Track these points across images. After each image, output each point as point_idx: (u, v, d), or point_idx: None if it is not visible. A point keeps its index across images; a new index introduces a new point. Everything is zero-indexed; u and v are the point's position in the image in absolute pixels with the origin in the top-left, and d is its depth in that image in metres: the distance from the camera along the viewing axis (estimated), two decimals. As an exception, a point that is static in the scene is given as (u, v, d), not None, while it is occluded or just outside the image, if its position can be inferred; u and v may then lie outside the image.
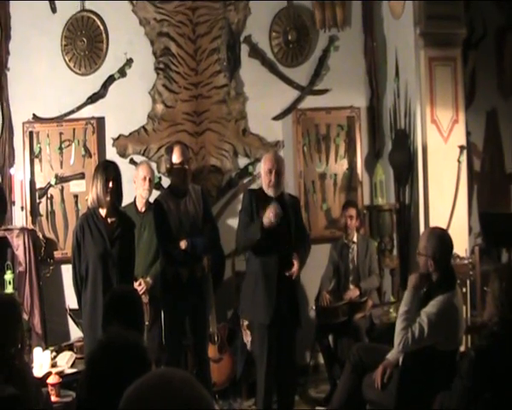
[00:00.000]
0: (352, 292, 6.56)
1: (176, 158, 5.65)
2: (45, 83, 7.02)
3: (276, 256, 5.32)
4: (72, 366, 5.70)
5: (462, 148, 6.53)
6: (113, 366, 2.25)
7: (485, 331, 3.93)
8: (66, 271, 6.58)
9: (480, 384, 3.56)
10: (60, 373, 5.31)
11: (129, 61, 7.13)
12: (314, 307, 6.62)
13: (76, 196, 7.04)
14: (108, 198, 5.14)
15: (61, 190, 7.03)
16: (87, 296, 5.16)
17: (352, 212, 6.70)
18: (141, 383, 1.58)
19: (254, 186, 6.76)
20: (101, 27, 7.12)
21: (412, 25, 6.59)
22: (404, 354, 4.54)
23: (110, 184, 5.12)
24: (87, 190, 6.43)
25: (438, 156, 6.53)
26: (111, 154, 7.01)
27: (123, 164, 6.35)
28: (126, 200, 5.71)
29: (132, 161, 7.06)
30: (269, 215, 5.16)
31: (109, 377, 2.22)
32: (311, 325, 6.66)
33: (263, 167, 5.50)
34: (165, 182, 6.51)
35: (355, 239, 6.73)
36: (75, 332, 6.59)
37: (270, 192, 5.41)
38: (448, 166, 6.51)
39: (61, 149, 7.03)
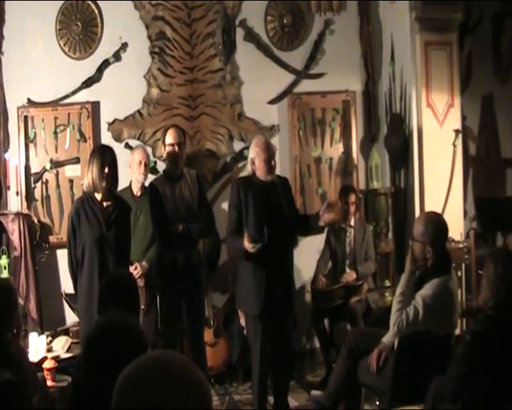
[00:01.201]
0: (349, 275, 6.56)
1: (169, 140, 5.63)
2: (40, 67, 6.98)
3: (266, 243, 5.16)
4: (68, 350, 5.68)
5: (457, 132, 6.52)
6: (110, 348, 2.26)
7: (480, 316, 3.94)
8: (62, 255, 6.56)
9: (475, 368, 3.57)
10: (55, 358, 5.30)
11: (124, 46, 7.10)
12: (310, 291, 6.63)
13: (71, 181, 7.03)
14: (104, 183, 5.10)
15: (56, 175, 7.01)
16: (83, 281, 5.14)
17: (352, 198, 6.62)
18: (137, 365, 1.56)
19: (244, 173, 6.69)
20: (96, 11, 7.08)
21: (408, 9, 6.57)
22: (400, 338, 4.55)
23: (106, 170, 5.08)
24: (82, 175, 6.39)
25: (433, 140, 6.52)
26: (106, 138, 6.99)
27: (118, 148, 6.32)
28: (122, 184, 5.68)
29: (127, 146, 7.05)
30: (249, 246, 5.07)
31: (106, 358, 2.23)
32: (307, 309, 6.67)
33: (259, 156, 5.27)
34: (161, 166, 6.50)
35: (352, 223, 6.71)
36: (71, 317, 6.58)
37: (268, 178, 5.30)
38: (443, 150, 6.51)
39: (55, 133, 7.00)
